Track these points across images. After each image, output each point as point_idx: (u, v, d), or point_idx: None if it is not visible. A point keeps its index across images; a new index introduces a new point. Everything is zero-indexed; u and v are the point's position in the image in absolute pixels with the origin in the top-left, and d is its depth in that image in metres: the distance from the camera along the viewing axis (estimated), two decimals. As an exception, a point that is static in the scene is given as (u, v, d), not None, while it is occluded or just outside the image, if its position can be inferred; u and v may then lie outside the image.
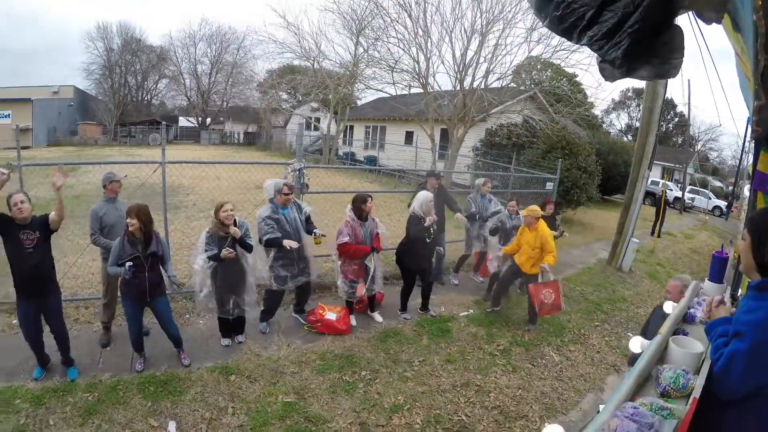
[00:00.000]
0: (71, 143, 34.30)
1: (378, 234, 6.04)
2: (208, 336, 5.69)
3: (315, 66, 23.94)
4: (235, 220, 5.03)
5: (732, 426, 1.76)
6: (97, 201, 5.41)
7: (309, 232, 5.75)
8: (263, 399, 4.61)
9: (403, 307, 6.61)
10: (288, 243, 5.27)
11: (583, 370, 5.86)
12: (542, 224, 6.37)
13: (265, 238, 5.37)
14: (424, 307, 6.75)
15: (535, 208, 6.39)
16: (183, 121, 49.49)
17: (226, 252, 4.86)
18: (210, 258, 4.93)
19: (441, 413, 4.68)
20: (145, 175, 6.54)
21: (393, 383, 5.05)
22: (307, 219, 5.81)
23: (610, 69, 1.83)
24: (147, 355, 5.06)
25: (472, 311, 6.99)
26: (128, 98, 46.70)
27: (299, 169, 6.68)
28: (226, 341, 5.53)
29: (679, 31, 1.66)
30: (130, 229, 4.46)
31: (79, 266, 5.78)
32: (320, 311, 5.98)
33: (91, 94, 44.11)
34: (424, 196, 6.19)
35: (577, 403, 5.19)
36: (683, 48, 1.69)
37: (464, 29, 17.53)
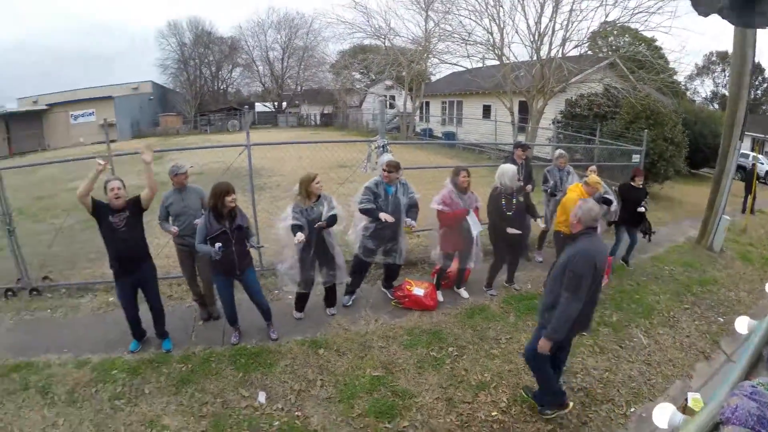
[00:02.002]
0: (154, 134, 36.46)
1: (477, 208, 5.95)
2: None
3: (386, 44, 23.74)
4: (319, 195, 5.13)
5: None
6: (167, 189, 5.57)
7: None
8: (351, 372, 4.68)
9: (489, 284, 6.51)
10: (384, 216, 5.31)
11: (672, 355, 5.53)
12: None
13: (360, 206, 5.47)
14: (510, 280, 6.62)
15: (597, 180, 6.22)
16: (259, 107, 50.62)
17: (321, 225, 4.99)
18: (293, 227, 4.97)
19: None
20: (230, 158, 6.74)
21: (479, 360, 4.99)
22: (413, 205, 5.73)
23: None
24: (240, 328, 5.28)
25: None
26: (204, 88, 48.50)
27: (383, 146, 6.68)
28: (298, 314, 5.68)
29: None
30: (231, 204, 4.63)
31: (170, 246, 6.09)
32: (407, 287, 6.00)
33: (169, 87, 46.56)
34: (510, 169, 6.00)
35: (665, 390, 4.90)
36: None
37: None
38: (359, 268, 5.96)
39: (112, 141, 28.17)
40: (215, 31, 49.02)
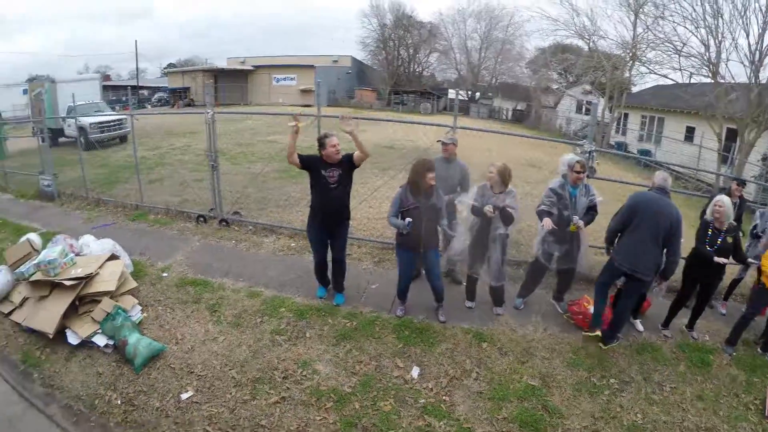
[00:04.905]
0: (348, 105, 39.25)
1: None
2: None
3: (590, 45, 22.49)
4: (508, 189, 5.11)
5: None
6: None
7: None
8: (508, 374, 4.60)
9: (667, 323, 5.97)
10: (546, 222, 5.12)
11: None
12: None
13: (538, 208, 5.33)
14: (691, 326, 6.03)
15: None
16: (452, 94, 51.29)
17: (488, 208, 4.92)
18: (473, 208, 5.03)
19: (676, 452, 4.16)
20: (420, 138, 6.94)
21: (638, 401, 4.61)
22: (591, 207, 5.47)
23: None
24: (408, 303, 5.43)
25: (737, 352, 6.05)
26: (401, 69, 50.69)
27: (590, 152, 6.41)
28: (470, 303, 5.68)
29: None
30: (431, 182, 4.76)
31: (357, 210, 6.48)
32: (585, 303, 5.74)
33: (367, 64, 49.72)
34: (727, 203, 5.42)
35: None
36: None
37: (760, 7, 14.83)
38: (536, 273, 5.81)
39: (309, 106, 30.85)
40: (415, 15, 50.55)
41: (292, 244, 7.11)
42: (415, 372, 4.48)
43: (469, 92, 50.06)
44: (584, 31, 22.21)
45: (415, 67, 52.85)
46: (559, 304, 5.96)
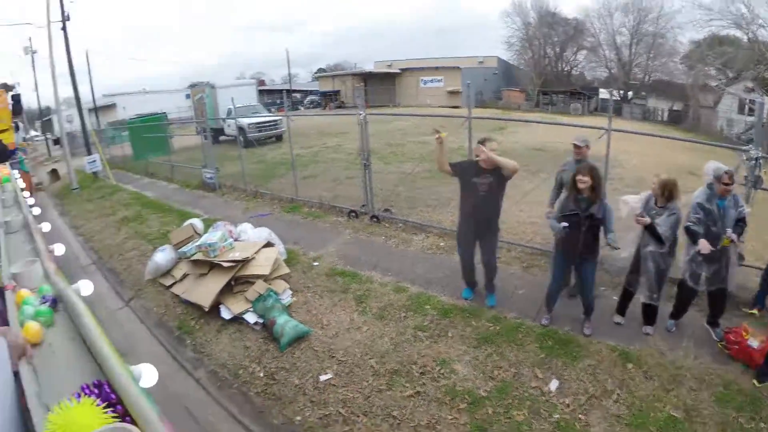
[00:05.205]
0: (496, 106, 38.49)
1: None
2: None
3: (749, 35, 19.84)
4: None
5: None
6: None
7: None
8: (650, 401, 4.22)
9: None
10: (703, 245, 4.55)
11: None
12: None
13: (686, 225, 4.79)
14: None
15: None
16: (604, 93, 48.43)
17: (642, 219, 4.57)
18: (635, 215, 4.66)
19: None
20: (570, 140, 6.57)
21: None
22: (740, 219, 4.84)
23: None
24: (554, 313, 5.20)
25: None
26: (548, 68, 48.85)
27: (756, 159, 5.65)
28: (619, 319, 5.23)
29: None
30: (580, 186, 4.51)
31: (507, 213, 6.33)
32: (743, 333, 5.09)
33: (513, 64, 48.64)
34: None
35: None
36: None
37: None
38: (685, 295, 5.27)
39: (457, 107, 30.93)
40: (559, 12, 48.48)
41: (441, 243, 7.15)
42: (553, 385, 4.28)
43: (621, 91, 46.52)
44: (741, 19, 19.57)
45: (563, 65, 50.70)
46: (714, 330, 5.31)
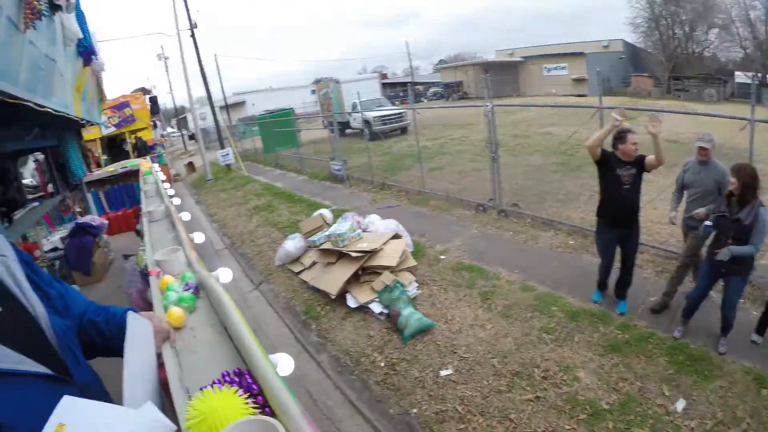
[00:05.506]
0: (624, 94, 36.08)
1: None
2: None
3: None
4: None
5: None
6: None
7: None
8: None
9: None
10: None
11: None
12: None
13: None
14: None
15: None
16: (740, 77, 43.76)
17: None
18: None
19: None
20: (720, 135, 6.00)
21: None
22: None
23: None
24: (689, 325, 4.88)
25: None
26: (678, 50, 44.45)
27: None
28: (756, 338, 4.74)
29: None
30: (730, 187, 4.23)
31: (642, 211, 5.97)
32: None
33: (640, 47, 44.91)
34: None
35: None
36: None
37: None
38: None
39: (583, 96, 29.58)
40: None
41: (570, 242, 6.94)
42: (680, 405, 4.02)
43: (759, 74, 41.43)
44: None
45: (694, 46, 45.83)
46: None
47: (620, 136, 4.69)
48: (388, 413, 4.28)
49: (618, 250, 5.10)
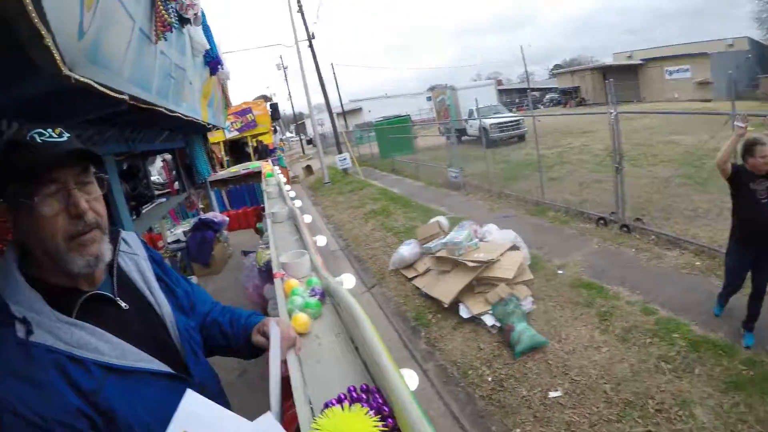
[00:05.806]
0: (753, 97, 32.58)
1: None
2: None
3: None
4: None
5: None
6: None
7: None
8: None
9: None
10: None
11: None
12: None
13: None
14: None
15: None
16: None
17: None
18: None
19: None
20: None
21: None
22: None
23: None
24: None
25: None
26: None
27: None
28: None
29: None
30: None
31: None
32: None
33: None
34: None
35: None
36: None
37: None
38: None
39: (708, 101, 27.21)
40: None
41: (697, 263, 6.44)
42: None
43: None
44: None
45: None
46: None
47: (749, 148, 4.35)
48: (489, 430, 4.25)
49: (749, 276, 4.71)
